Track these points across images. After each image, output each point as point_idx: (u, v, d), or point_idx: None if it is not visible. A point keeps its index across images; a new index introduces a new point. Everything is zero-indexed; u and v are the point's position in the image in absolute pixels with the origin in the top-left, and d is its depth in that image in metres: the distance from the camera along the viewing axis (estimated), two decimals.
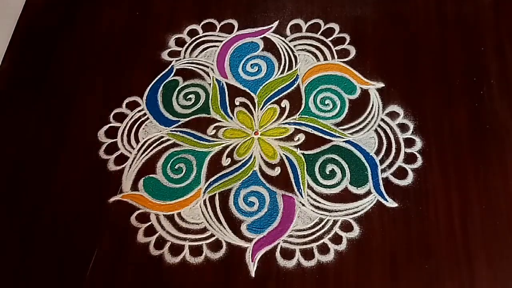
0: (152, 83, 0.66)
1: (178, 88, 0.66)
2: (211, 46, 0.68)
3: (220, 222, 0.56)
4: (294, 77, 0.65)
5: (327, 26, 0.68)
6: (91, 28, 0.72)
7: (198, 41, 0.69)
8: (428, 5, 0.68)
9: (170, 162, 0.60)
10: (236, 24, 0.70)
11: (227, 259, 0.54)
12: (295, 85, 0.64)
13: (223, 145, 0.61)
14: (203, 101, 0.64)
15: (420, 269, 0.52)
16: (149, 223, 0.57)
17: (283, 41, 0.68)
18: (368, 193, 0.57)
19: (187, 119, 0.63)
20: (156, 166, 0.60)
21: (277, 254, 0.54)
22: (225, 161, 0.60)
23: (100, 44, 0.70)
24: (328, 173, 0.58)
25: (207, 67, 0.67)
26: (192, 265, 0.54)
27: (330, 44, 0.67)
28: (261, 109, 0.63)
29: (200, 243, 0.55)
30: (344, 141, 0.60)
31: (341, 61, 0.65)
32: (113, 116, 0.64)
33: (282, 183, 0.58)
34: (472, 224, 0.54)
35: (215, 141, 0.61)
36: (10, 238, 0.57)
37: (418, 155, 0.58)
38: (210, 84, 0.66)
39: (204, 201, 0.58)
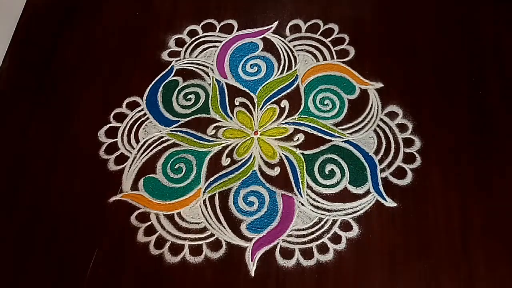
0: (152, 83, 0.66)
1: (178, 88, 0.66)
2: (211, 47, 0.68)
3: (220, 222, 0.56)
4: (294, 77, 0.65)
5: (327, 26, 0.68)
6: (91, 28, 0.72)
7: (198, 41, 0.69)
8: (428, 5, 0.69)
9: (170, 162, 0.61)
10: (235, 24, 0.70)
11: (226, 258, 0.54)
12: (294, 85, 0.64)
13: (223, 145, 0.61)
14: (203, 101, 0.65)
15: (419, 269, 0.52)
16: (149, 222, 0.57)
17: (283, 41, 0.68)
18: (367, 192, 0.57)
19: (187, 119, 0.63)
20: (156, 166, 0.60)
21: (277, 253, 0.54)
22: (225, 161, 0.60)
23: (100, 44, 0.70)
24: (327, 173, 0.58)
25: (207, 67, 0.67)
26: (192, 264, 0.54)
27: (329, 44, 0.67)
28: (260, 109, 0.63)
29: (200, 242, 0.55)
30: (343, 141, 0.60)
31: (340, 61, 0.65)
32: (113, 116, 0.64)
33: (281, 183, 0.58)
34: (470, 224, 0.54)
35: (215, 141, 0.62)
36: (10, 238, 0.58)
37: (417, 155, 0.58)
38: (210, 84, 0.66)
39: (204, 200, 0.58)
